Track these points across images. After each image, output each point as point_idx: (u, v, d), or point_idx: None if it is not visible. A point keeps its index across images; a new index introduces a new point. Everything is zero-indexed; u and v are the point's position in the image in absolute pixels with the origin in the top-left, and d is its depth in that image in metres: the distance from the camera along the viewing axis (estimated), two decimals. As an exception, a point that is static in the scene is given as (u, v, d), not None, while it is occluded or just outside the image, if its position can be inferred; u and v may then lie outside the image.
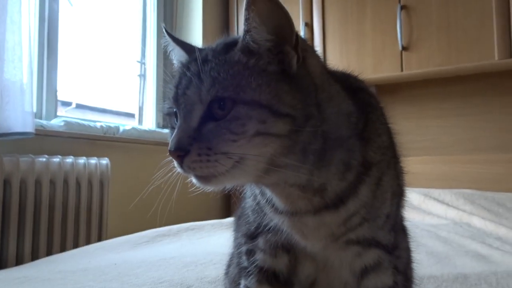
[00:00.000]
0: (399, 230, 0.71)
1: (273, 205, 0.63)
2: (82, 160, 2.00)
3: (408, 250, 0.74)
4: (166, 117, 0.63)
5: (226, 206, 3.02)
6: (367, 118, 0.63)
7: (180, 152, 0.53)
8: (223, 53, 0.57)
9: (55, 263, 1.28)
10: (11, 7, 1.73)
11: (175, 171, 0.58)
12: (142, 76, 2.83)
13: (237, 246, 0.76)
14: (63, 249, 1.85)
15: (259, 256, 0.68)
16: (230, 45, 0.58)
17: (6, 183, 1.70)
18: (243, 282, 0.70)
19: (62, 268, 1.17)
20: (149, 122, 2.81)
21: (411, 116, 2.73)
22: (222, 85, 0.53)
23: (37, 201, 1.79)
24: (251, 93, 0.53)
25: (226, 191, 0.64)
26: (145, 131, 2.57)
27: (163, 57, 2.83)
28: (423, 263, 0.91)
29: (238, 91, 0.53)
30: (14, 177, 1.70)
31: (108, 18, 2.72)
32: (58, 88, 2.20)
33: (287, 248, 0.67)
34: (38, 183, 1.80)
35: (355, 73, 0.72)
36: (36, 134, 1.80)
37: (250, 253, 0.69)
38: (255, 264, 0.68)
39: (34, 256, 1.75)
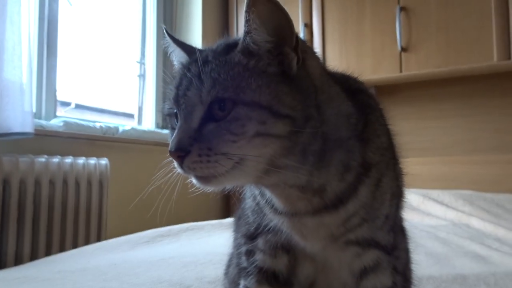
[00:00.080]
0: (398, 231, 0.71)
1: (272, 206, 0.63)
2: (81, 160, 2.00)
3: (407, 251, 0.74)
4: (167, 118, 0.63)
5: (226, 206, 3.01)
6: (366, 119, 0.63)
7: (181, 152, 0.54)
8: (224, 54, 0.57)
9: (54, 263, 1.27)
10: (11, 7, 1.73)
11: (175, 172, 0.58)
12: (142, 76, 2.83)
13: (236, 246, 0.76)
14: (62, 249, 1.85)
15: (258, 257, 0.68)
16: (231, 46, 0.58)
17: (6, 183, 1.70)
18: (242, 283, 0.70)
19: (61, 268, 1.17)
20: (149, 122, 2.81)
21: (410, 117, 2.73)
22: (222, 86, 0.54)
23: (36, 201, 1.79)
24: (251, 94, 0.53)
25: (226, 192, 0.64)
26: (144, 131, 2.57)
27: (163, 57, 2.84)
28: (422, 264, 0.92)
29: (238, 92, 0.53)
30: (13, 177, 1.70)
31: (108, 18, 2.72)
32: (57, 88, 2.20)
33: (287, 249, 0.68)
34: (37, 183, 1.80)
35: (355, 74, 0.72)
36: (35, 134, 1.79)
37: (249, 253, 0.70)
38: (254, 265, 0.68)
39: (34, 256, 1.75)
